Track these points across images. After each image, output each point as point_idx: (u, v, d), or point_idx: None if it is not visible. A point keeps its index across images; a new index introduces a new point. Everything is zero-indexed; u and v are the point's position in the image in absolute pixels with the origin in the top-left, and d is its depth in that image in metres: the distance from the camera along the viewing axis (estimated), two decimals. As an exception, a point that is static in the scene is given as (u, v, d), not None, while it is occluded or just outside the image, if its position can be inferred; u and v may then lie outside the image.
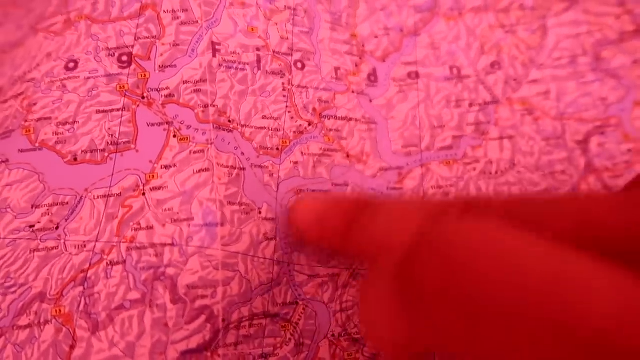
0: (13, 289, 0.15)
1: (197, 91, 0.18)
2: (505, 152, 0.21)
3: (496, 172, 0.21)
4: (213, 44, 0.19)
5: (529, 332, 0.09)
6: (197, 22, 0.19)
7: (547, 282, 0.09)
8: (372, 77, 0.22)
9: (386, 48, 0.23)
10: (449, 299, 0.10)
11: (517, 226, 0.10)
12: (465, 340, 0.10)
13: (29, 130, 0.17)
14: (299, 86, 0.20)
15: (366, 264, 0.18)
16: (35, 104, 0.18)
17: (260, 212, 0.18)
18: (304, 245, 0.18)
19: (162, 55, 0.18)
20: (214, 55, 0.18)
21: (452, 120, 0.22)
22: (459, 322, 0.10)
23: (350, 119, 0.21)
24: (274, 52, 0.20)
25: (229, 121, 0.18)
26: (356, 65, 0.22)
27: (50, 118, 0.17)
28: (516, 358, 0.09)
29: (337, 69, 0.21)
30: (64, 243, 0.16)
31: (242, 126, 0.18)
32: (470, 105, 0.22)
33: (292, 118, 0.19)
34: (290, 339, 0.17)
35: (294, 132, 0.19)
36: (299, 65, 0.20)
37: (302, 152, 0.19)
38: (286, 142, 0.19)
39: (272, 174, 0.18)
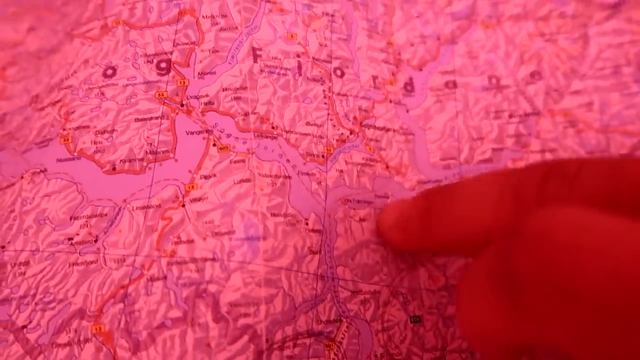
0: (52, 305, 0.15)
1: (237, 98, 0.17)
2: None
3: None
4: (254, 49, 0.18)
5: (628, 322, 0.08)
6: (236, 28, 0.18)
7: None
8: (409, 87, 0.22)
9: (422, 56, 0.23)
10: (550, 291, 0.09)
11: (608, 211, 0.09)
12: (567, 331, 0.09)
13: (67, 139, 0.17)
14: (339, 94, 0.19)
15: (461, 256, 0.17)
16: (73, 112, 0.17)
17: (307, 224, 0.17)
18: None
19: (201, 61, 0.18)
20: (255, 61, 0.18)
21: (492, 131, 0.21)
22: (560, 312, 0.09)
23: (389, 129, 0.20)
24: (313, 58, 0.19)
25: (273, 127, 0.17)
26: (393, 74, 0.21)
27: (88, 126, 0.17)
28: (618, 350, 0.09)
29: (375, 78, 0.21)
30: (103, 257, 0.15)
31: (287, 132, 0.18)
32: (510, 116, 0.21)
33: (334, 126, 0.19)
34: (334, 359, 0.16)
35: (337, 140, 0.19)
36: (339, 72, 0.20)
37: (346, 161, 0.19)
38: (330, 150, 0.18)
39: (320, 182, 0.18)
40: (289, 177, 0.17)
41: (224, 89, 0.18)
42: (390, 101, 0.21)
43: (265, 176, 0.17)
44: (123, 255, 0.15)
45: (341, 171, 0.18)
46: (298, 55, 0.19)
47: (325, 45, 0.20)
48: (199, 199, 0.16)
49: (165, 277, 0.15)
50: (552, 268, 0.09)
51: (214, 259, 0.15)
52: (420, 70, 0.22)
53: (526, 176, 0.13)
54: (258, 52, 0.18)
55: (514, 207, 0.13)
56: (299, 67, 0.19)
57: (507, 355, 0.12)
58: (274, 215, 0.16)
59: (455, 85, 0.22)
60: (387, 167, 0.20)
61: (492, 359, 0.13)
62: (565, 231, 0.09)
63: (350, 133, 0.19)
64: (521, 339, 0.11)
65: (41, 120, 0.18)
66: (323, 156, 0.18)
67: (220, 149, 0.17)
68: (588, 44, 0.23)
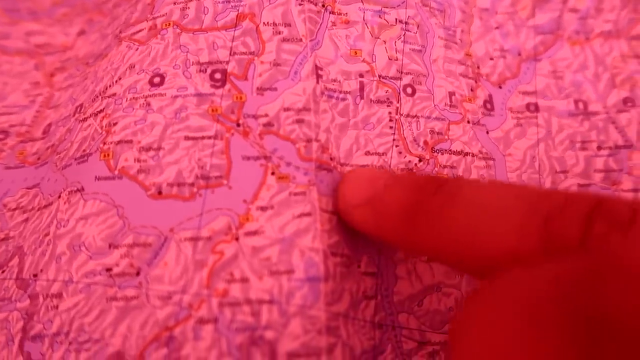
0: (87, 345, 0.13)
1: (299, 121, 0.15)
2: None
3: None
4: (316, 67, 0.16)
5: None
6: (301, 40, 0.16)
7: None
8: (489, 105, 0.19)
9: (502, 72, 0.20)
10: None
11: None
12: None
13: (108, 155, 0.15)
14: (408, 115, 0.17)
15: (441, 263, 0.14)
16: (115, 124, 0.15)
17: (359, 266, 0.15)
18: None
19: (260, 75, 0.16)
20: (317, 82, 0.16)
21: (577, 164, 0.19)
22: None
23: (467, 154, 0.18)
24: (379, 77, 0.17)
25: (330, 159, 0.15)
26: (472, 90, 0.19)
27: (131, 141, 0.15)
28: None
29: (451, 94, 0.18)
30: (146, 293, 0.14)
31: (342, 165, 0.16)
32: (599, 148, 0.19)
33: (400, 153, 0.17)
34: None
35: (402, 170, 0.17)
36: (409, 90, 0.18)
37: None
38: None
39: None
40: None
41: (286, 109, 0.15)
42: (469, 121, 0.18)
43: (326, 211, 0.15)
44: (168, 292, 0.14)
45: None
46: (361, 75, 0.17)
47: (396, 59, 0.18)
48: (255, 233, 0.14)
49: (216, 320, 0.13)
50: None
51: (271, 302, 0.13)
52: (500, 87, 0.20)
53: (562, 208, 0.11)
54: (320, 72, 0.16)
55: (540, 237, 0.11)
56: (361, 88, 0.17)
57: None
58: (333, 254, 0.14)
59: (537, 108, 0.20)
60: None
61: None
62: None
63: (420, 160, 0.17)
64: None
65: (82, 133, 0.16)
66: None
67: (279, 178, 0.15)
68: (691, 68, 0.20)
